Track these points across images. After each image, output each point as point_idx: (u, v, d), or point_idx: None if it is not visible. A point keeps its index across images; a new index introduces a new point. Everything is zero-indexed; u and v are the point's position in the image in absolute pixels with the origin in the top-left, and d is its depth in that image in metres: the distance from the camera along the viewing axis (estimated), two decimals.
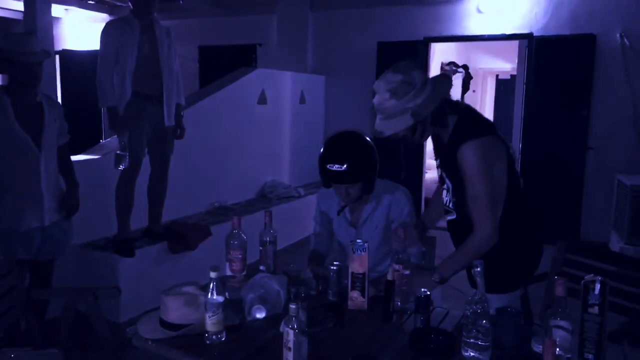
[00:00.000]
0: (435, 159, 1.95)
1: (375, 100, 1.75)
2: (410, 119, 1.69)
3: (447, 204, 1.89)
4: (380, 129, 1.76)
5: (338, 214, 2.26)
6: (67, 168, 2.67)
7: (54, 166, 2.55)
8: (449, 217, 1.92)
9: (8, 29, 8.43)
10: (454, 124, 1.77)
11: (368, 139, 2.13)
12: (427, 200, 6.71)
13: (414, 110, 1.68)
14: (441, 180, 1.94)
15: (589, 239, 5.25)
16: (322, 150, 2.10)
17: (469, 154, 1.69)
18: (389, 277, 1.70)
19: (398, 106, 1.69)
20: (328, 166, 2.04)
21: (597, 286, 1.35)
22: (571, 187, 5.36)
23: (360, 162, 2.06)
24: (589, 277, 1.40)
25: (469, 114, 1.81)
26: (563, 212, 5.32)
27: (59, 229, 2.57)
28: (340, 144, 2.12)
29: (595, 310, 1.35)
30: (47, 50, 2.51)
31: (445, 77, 1.76)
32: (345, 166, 2.01)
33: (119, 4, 7.21)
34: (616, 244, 4.65)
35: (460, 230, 1.83)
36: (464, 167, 1.71)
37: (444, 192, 1.91)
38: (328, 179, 2.09)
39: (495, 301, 1.65)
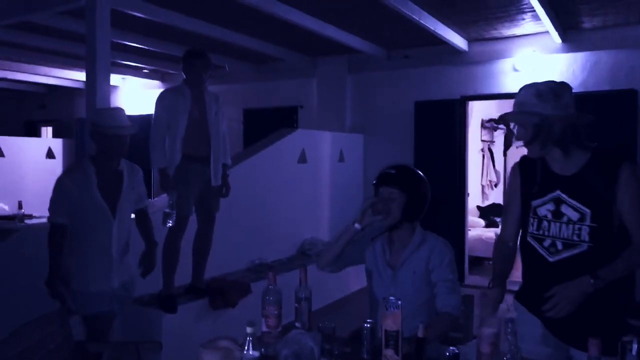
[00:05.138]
0: (544, 195, 1.87)
1: (520, 97, 1.83)
2: (533, 120, 1.77)
3: (571, 237, 1.80)
4: (506, 114, 1.88)
5: (372, 239, 2.31)
6: (147, 230, 2.88)
7: (126, 232, 2.72)
8: (571, 253, 1.81)
9: (71, 96, 9.15)
10: (590, 156, 1.80)
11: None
12: (471, 258, 6.57)
13: (543, 116, 1.76)
14: (557, 214, 1.83)
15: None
16: None
17: (636, 173, 1.73)
18: (420, 334, 1.70)
19: (534, 106, 1.77)
20: (382, 170, 2.23)
21: (635, 346, 1.31)
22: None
23: (412, 177, 2.23)
24: (626, 337, 1.37)
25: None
26: None
27: (124, 289, 2.72)
28: (401, 164, 2.30)
29: None
30: (133, 123, 2.73)
31: (589, 116, 1.82)
32: (396, 171, 2.22)
33: (170, 72, 7.74)
34: None
35: (589, 263, 1.74)
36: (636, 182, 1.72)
37: (563, 226, 1.81)
38: (379, 180, 2.23)
39: None
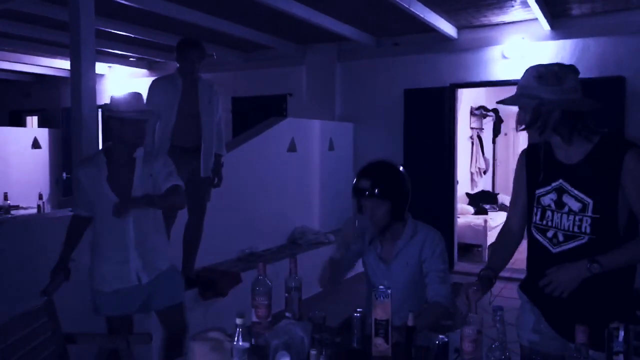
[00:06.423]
0: (547, 184, 1.81)
1: (522, 79, 1.75)
2: (532, 104, 1.68)
3: (572, 228, 1.74)
4: (507, 98, 1.78)
5: (369, 243, 2.29)
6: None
7: (148, 223, 2.53)
8: (572, 244, 1.75)
9: (56, 85, 9.01)
10: (596, 143, 1.71)
11: (402, 169, 2.24)
12: (460, 245, 6.63)
13: (542, 100, 1.67)
14: (559, 204, 1.77)
15: None
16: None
17: None
18: (410, 323, 1.70)
19: (534, 89, 1.69)
20: (358, 182, 2.17)
21: (621, 333, 1.33)
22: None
23: (388, 180, 2.17)
24: (613, 324, 1.38)
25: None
26: None
27: (151, 286, 2.53)
28: (373, 165, 2.27)
29: (620, 358, 1.33)
30: (152, 109, 2.60)
31: (594, 102, 1.71)
32: (372, 182, 2.14)
33: (157, 60, 7.63)
34: None
35: (591, 255, 1.67)
36: None
37: (564, 216, 1.75)
38: (357, 194, 2.18)
39: None
